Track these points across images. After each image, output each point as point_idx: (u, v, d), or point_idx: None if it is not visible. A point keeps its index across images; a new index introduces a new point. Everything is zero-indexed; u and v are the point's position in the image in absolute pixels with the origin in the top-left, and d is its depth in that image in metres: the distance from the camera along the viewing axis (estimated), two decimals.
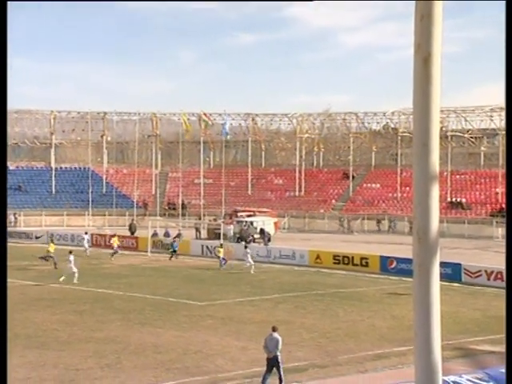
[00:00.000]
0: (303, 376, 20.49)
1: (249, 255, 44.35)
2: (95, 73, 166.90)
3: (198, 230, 64.08)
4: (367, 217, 71.92)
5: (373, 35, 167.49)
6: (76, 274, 38.36)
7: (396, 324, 28.25)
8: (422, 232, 4.13)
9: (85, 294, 35.30)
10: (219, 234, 53.68)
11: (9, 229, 64.48)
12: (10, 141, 76.50)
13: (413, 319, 4.29)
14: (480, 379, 15.54)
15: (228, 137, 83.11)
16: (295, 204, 77.68)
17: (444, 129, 73.53)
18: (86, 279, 39.71)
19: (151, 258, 50.48)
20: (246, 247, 46.20)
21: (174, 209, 77.27)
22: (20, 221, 71.47)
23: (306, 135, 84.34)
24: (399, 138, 77.49)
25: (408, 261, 39.44)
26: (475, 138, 78.76)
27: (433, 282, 4.17)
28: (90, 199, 75.80)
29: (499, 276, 37.47)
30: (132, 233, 62.18)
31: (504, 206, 63.35)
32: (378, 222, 70.46)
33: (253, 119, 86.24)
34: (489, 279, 38.51)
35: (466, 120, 77.68)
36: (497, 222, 63.16)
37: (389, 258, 43.94)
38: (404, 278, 38.52)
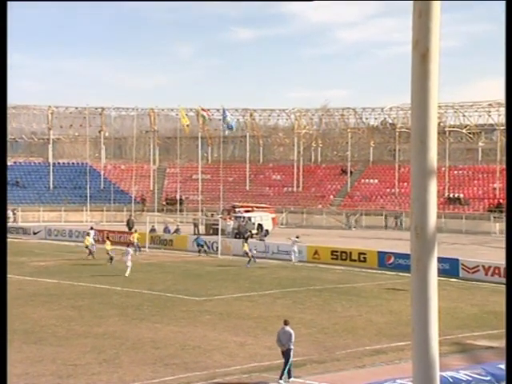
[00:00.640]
0: (301, 371, 20.51)
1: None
2: (93, 68, 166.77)
3: (196, 225, 64.07)
4: (365, 212, 71.95)
5: (371, 31, 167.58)
6: (129, 269, 39.32)
7: (394, 319, 28.29)
8: (419, 227, 4.15)
9: (83, 289, 35.30)
10: (217, 229, 53.67)
11: (13, 224, 64.59)
12: (8, 136, 76.39)
13: (410, 314, 4.30)
14: (477, 374, 15.55)
15: (226, 132, 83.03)
16: (293, 199, 77.71)
17: (442, 124, 73.55)
18: (83, 274, 39.75)
19: (149, 254, 50.46)
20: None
21: (172, 204, 77.26)
22: (18, 216, 71.37)
23: (304, 131, 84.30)
24: (397, 133, 77.48)
25: (406, 256, 39.45)
26: (473, 133, 78.74)
27: (430, 277, 4.19)
28: (88, 195, 75.80)
29: (497, 271, 37.54)
30: (130, 228, 62.14)
31: (502, 201, 63.43)
32: (386, 217, 70.14)
33: (251, 115, 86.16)
34: (486, 274, 38.56)
35: (463, 115, 77.66)
36: (494, 218, 63.22)
37: (387, 253, 43.99)
38: (402, 274, 38.53)
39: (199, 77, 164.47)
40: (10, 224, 62.97)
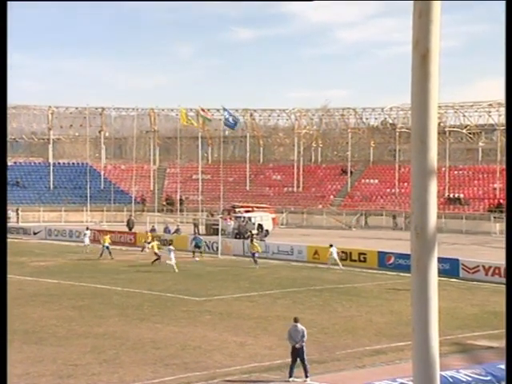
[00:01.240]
0: (302, 371, 20.50)
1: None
2: (93, 68, 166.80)
3: (196, 225, 64.06)
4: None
5: (371, 31, 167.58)
6: (174, 265, 41.02)
7: (394, 319, 28.29)
8: (419, 227, 4.15)
9: (83, 289, 35.30)
10: (217, 229, 53.65)
11: (13, 224, 64.60)
12: (8, 136, 76.37)
13: (411, 314, 4.31)
14: (478, 374, 15.56)
15: (226, 132, 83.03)
16: (293, 200, 77.71)
17: (442, 124, 73.56)
18: (84, 275, 39.77)
19: (149, 254, 50.39)
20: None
21: (172, 204, 77.26)
22: (18, 216, 71.28)
23: (304, 131, 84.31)
24: (397, 133, 77.45)
25: (406, 256, 39.44)
26: (473, 133, 78.75)
27: (431, 277, 4.19)
28: (88, 195, 75.79)
29: (497, 271, 37.52)
30: (130, 228, 62.17)
31: (502, 201, 63.43)
32: (394, 217, 69.98)
33: (251, 115, 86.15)
34: (487, 274, 38.54)
35: (464, 116, 77.67)
36: (495, 218, 63.19)
37: (387, 253, 43.98)
38: (402, 274, 38.53)
39: (199, 77, 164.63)
40: (12, 224, 63.09)
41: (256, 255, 43.96)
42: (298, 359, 20.37)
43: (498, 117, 73.18)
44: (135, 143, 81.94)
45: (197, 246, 48.90)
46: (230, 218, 61.74)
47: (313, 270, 42.84)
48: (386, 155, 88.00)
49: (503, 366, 12.49)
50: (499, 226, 60.25)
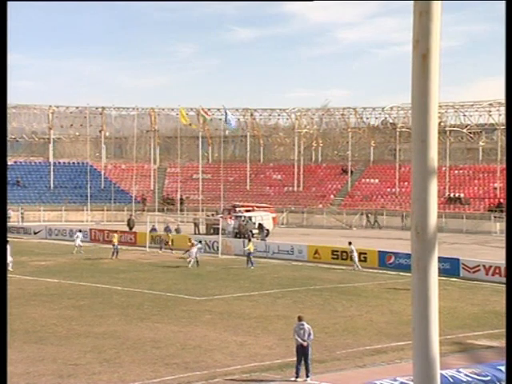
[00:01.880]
0: (302, 371, 20.49)
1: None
2: (93, 68, 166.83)
3: (196, 225, 64.09)
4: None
5: (371, 31, 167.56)
6: (192, 262, 42.76)
7: (394, 319, 28.29)
8: (420, 227, 4.15)
9: (83, 289, 35.30)
10: (218, 229, 53.64)
11: (14, 224, 64.60)
12: (8, 136, 76.33)
13: (411, 314, 4.31)
14: (478, 374, 15.56)
15: (227, 132, 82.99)
16: (294, 199, 77.70)
17: (442, 124, 73.53)
18: (84, 274, 39.78)
19: (150, 253, 50.48)
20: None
21: (173, 204, 77.25)
22: (22, 216, 71.22)
23: (305, 130, 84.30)
24: (397, 133, 77.45)
25: (406, 256, 39.46)
26: (473, 133, 78.73)
27: (431, 276, 4.19)
28: (89, 194, 75.78)
29: (497, 271, 37.51)
30: (130, 228, 62.17)
31: (502, 200, 63.41)
32: (404, 218, 69.67)
33: (251, 114, 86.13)
34: (487, 274, 38.54)
35: (464, 115, 77.66)
36: (495, 217, 63.20)
37: (387, 253, 43.97)
38: (402, 273, 38.55)
39: (199, 76, 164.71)
40: (12, 223, 63.05)
41: (251, 255, 43.70)
42: (303, 358, 20.35)
43: (499, 116, 73.17)
44: (135, 143, 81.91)
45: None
46: (230, 218, 61.74)
47: (313, 270, 42.84)
48: (387, 155, 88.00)
49: (503, 366, 12.49)
50: (499, 226, 60.25)
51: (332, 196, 77.90)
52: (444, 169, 69.45)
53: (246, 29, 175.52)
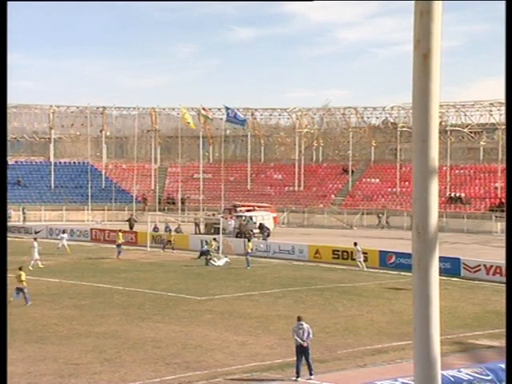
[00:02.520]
0: (303, 371, 20.50)
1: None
2: (94, 68, 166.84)
3: (197, 225, 64.10)
4: (366, 212, 71.86)
5: (371, 31, 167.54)
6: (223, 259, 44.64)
7: (395, 319, 28.28)
8: (421, 227, 4.15)
9: (84, 288, 35.30)
10: (218, 228, 53.64)
11: (15, 223, 64.58)
12: (9, 136, 76.34)
13: (412, 314, 4.31)
14: (479, 373, 15.55)
15: (228, 131, 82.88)
16: (294, 199, 77.68)
17: (443, 123, 73.49)
18: (85, 274, 39.77)
19: (151, 253, 50.47)
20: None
21: (173, 203, 77.25)
22: (24, 216, 71.18)
23: (306, 130, 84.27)
24: (398, 132, 77.41)
25: (407, 255, 39.46)
26: (474, 132, 78.70)
27: (432, 276, 4.19)
28: (90, 194, 75.75)
29: (498, 271, 37.50)
30: (131, 227, 62.17)
31: (503, 200, 63.39)
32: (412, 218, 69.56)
33: (252, 114, 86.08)
34: (488, 274, 38.53)
35: (465, 115, 77.63)
36: (496, 217, 63.19)
37: (388, 252, 43.96)
38: (403, 273, 38.55)
39: (199, 76, 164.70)
40: (13, 223, 63.04)
41: (248, 255, 43.62)
42: (303, 357, 20.36)
43: (500, 116, 73.15)
44: (136, 142, 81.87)
45: (202, 254, 47.20)
46: (231, 217, 61.74)
47: (314, 270, 42.83)
48: (387, 154, 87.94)
49: (504, 365, 12.48)
50: (500, 226, 60.22)
51: (333, 196, 77.86)
52: (445, 168, 69.41)
53: (245, 29, 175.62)
